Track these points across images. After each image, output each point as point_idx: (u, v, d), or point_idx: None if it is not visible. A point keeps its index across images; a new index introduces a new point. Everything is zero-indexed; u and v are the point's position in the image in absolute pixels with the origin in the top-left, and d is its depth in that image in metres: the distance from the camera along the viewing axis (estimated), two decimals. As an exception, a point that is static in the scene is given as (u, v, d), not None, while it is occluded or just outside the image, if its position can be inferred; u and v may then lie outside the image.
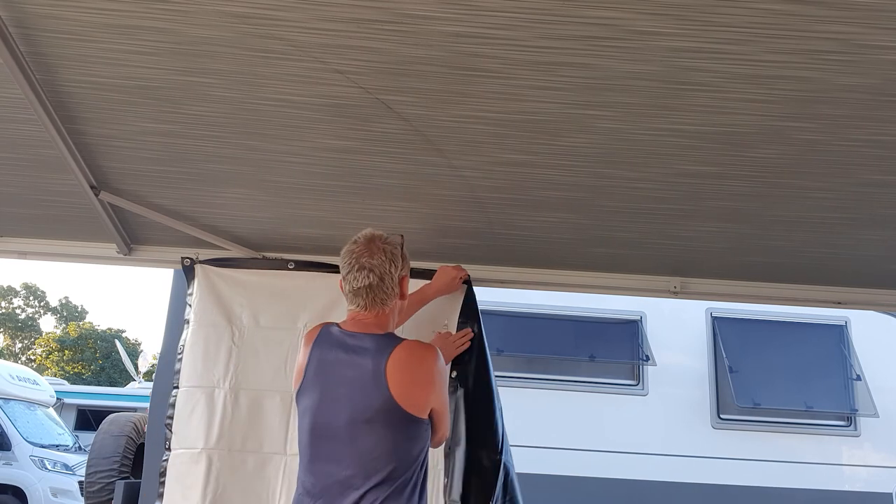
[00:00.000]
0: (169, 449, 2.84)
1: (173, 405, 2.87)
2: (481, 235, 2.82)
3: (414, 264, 3.01)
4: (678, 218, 2.62)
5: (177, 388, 2.90)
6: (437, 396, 2.31)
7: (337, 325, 2.38)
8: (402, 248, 2.39)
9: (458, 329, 2.91)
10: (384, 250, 2.32)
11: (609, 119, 2.08)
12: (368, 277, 2.29)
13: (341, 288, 2.38)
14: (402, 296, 2.39)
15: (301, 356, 2.38)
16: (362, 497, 2.15)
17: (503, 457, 2.79)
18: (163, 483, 2.81)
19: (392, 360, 2.21)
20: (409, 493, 2.20)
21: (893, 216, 2.52)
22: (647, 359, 5.79)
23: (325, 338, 2.36)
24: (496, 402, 2.86)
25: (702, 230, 2.69)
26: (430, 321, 2.89)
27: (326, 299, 2.99)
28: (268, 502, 2.78)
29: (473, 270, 3.01)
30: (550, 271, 3.02)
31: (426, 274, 3.01)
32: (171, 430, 2.85)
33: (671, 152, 2.22)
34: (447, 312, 2.92)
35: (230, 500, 2.77)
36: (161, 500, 2.78)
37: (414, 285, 2.69)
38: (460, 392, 2.81)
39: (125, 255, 3.06)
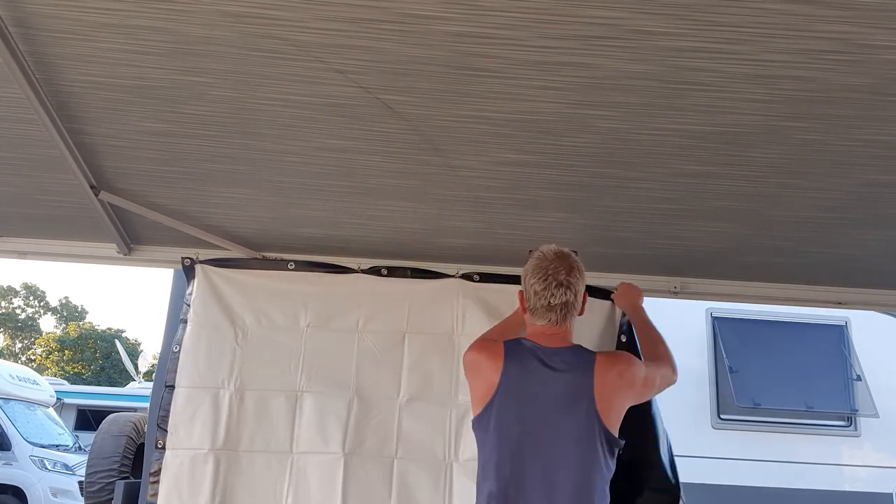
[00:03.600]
0: (163, 448, 2.83)
1: (168, 405, 2.87)
2: (481, 235, 2.82)
3: (413, 264, 3.03)
4: (678, 218, 2.62)
5: (171, 387, 2.89)
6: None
7: (527, 339, 2.44)
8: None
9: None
10: (578, 268, 2.42)
11: (610, 119, 2.08)
12: (566, 295, 2.37)
13: (523, 302, 2.46)
14: (581, 312, 2.48)
15: (487, 370, 2.38)
16: None
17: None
18: (155, 483, 2.80)
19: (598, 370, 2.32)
20: None
21: (894, 216, 2.52)
22: (648, 359, 5.77)
23: (517, 351, 2.40)
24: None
25: (702, 230, 2.69)
26: None
27: (327, 299, 2.99)
28: (276, 501, 2.78)
29: (474, 270, 3.01)
30: (550, 271, 3.01)
31: (426, 274, 3.02)
32: (165, 430, 2.84)
33: (672, 152, 2.22)
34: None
35: (238, 499, 2.78)
36: (156, 500, 2.78)
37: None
38: None
39: (125, 255, 3.06)
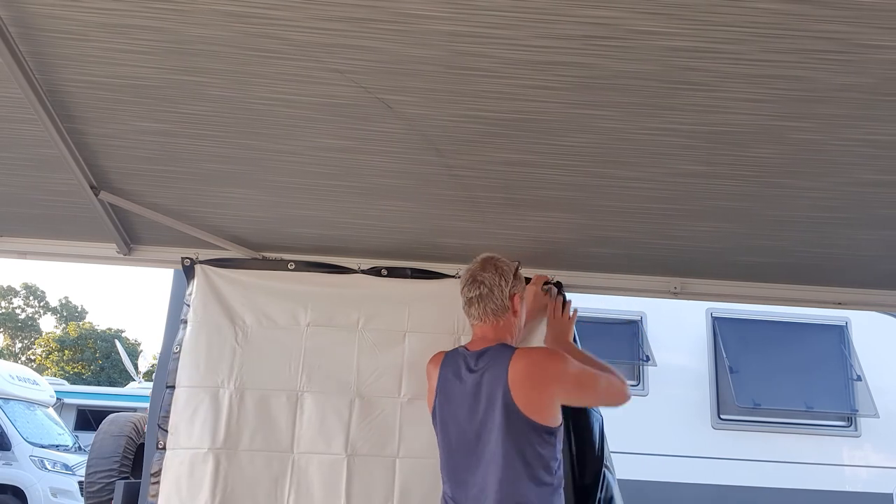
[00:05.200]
0: (163, 448, 2.84)
1: (169, 405, 2.87)
2: (480, 235, 2.82)
3: (413, 264, 3.03)
4: (678, 218, 2.62)
5: (172, 387, 2.89)
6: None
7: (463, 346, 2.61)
8: (516, 269, 2.60)
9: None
10: (496, 266, 2.55)
11: (608, 119, 2.08)
12: (479, 289, 2.52)
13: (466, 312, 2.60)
14: (514, 312, 2.57)
15: (430, 378, 2.62)
16: None
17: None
18: (156, 483, 2.80)
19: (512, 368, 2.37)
20: None
21: (893, 216, 2.52)
22: (648, 359, 5.80)
23: (451, 358, 2.58)
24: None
25: (702, 230, 2.69)
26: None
27: (327, 299, 2.99)
28: (276, 501, 2.79)
29: (473, 270, 3.01)
30: (549, 272, 3.01)
31: (426, 274, 3.02)
32: (165, 430, 2.84)
33: (670, 152, 2.22)
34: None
35: (239, 499, 2.78)
36: (156, 499, 2.78)
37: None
38: None
39: (125, 255, 3.06)
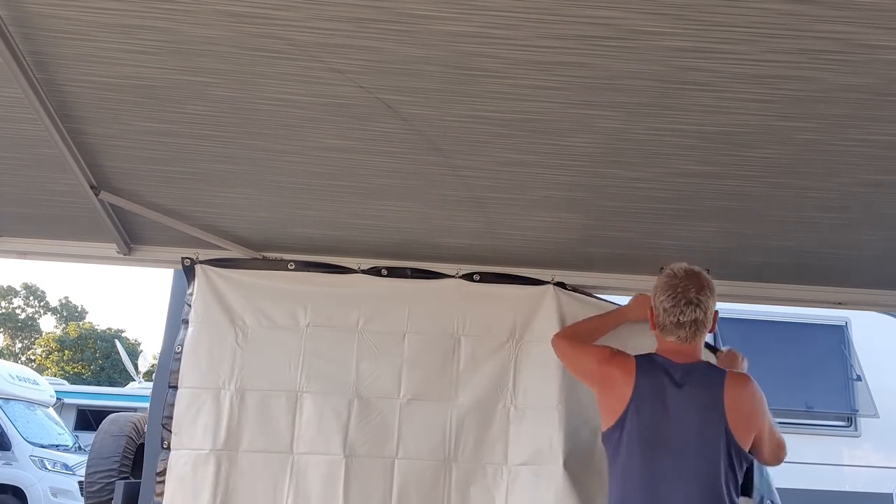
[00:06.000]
0: (168, 448, 2.84)
1: (172, 405, 2.87)
2: (482, 235, 2.82)
3: (413, 264, 3.03)
4: (678, 218, 2.62)
5: (174, 388, 2.89)
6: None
7: (657, 354, 2.49)
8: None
9: None
10: (709, 286, 2.45)
11: (609, 119, 2.08)
12: (695, 312, 2.41)
13: (652, 317, 2.51)
14: (712, 329, 2.51)
15: (620, 383, 2.44)
16: None
17: None
18: (161, 483, 2.80)
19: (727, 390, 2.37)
20: None
21: (893, 216, 2.52)
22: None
23: (648, 366, 2.45)
24: None
25: (702, 230, 2.69)
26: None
27: (327, 299, 2.99)
28: (275, 501, 2.78)
29: (474, 270, 3.01)
30: (550, 271, 3.01)
31: (426, 274, 3.02)
32: (169, 431, 2.84)
33: (672, 152, 2.22)
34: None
35: (240, 500, 2.78)
36: (162, 499, 2.78)
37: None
38: None
39: (125, 255, 3.06)
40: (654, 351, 2.51)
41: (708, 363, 2.49)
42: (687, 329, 2.42)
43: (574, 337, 2.75)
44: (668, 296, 2.43)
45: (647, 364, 2.45)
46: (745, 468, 2.37)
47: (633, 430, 2.38)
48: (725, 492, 2.30)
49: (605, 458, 2.49)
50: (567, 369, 2.78)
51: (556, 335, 2.79)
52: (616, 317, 2.87)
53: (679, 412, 2.36)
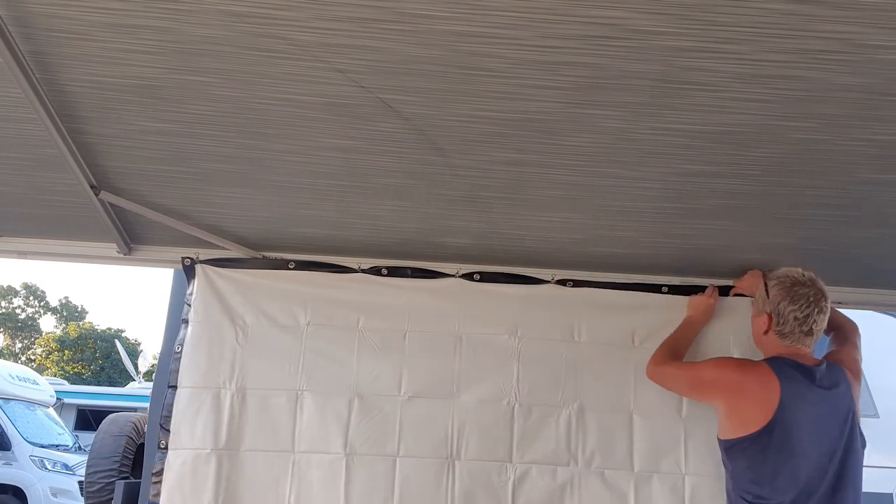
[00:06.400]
0: (165, 448, 2.83)
1: (171, 405, 2.87)
2: (482, 235, 2.82)
3: (413, 265, 3.03)
4: (679, 217, 2.62)
5: (174, 387, 2.89)
6: None
7: (786, 357, 2.53)
8: None
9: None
10: (826, 295, 2.54)
11: (611, 118, 2.08)
12: (825, 322, 2.52)
13: (768, 323, 2.56)
14: None
15: (760, 390, 2.44)
16: None
17: None
18: (158, 483, 2.80)
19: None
20: None
21: (893, 215, 2.52)
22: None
23: (785, 369, 2.47)
24: None
25: (702, 229, 2.69)
26: None
27: (327, 299, 2.99)
28: (277, 501, 2.78)
29: (474, 270, 3.01)
30: (551, 271, 3.01)
31: (426, 274, 3.01)
32: (167, 430, 2.84)
33: (672, 151, 2.22)
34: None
35: (241, 499, 2.78)
36: (158, 499, 2.78)
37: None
38: None
39: (125, 254, 3.05)
40: (776, 354, 2.55)
41: (827, 362, 2.53)
42: (814, 336, 2.51)
43: (671, 359, 2.74)
44: (801, 305, 2.50)
45: (783, 368, 2.47)
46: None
47: (784, 436, 2.39)
48: (861, 493, 2.41)
49: (732, 464, 2.50)
50: (683, 394, 2.77)
51: (652, 366, 2.77)
52: (691, 327, 2.87)
53: (828, 417, 2.42)
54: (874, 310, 4.87)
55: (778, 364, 2.48)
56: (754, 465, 2.42)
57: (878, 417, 5.81)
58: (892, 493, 5.70)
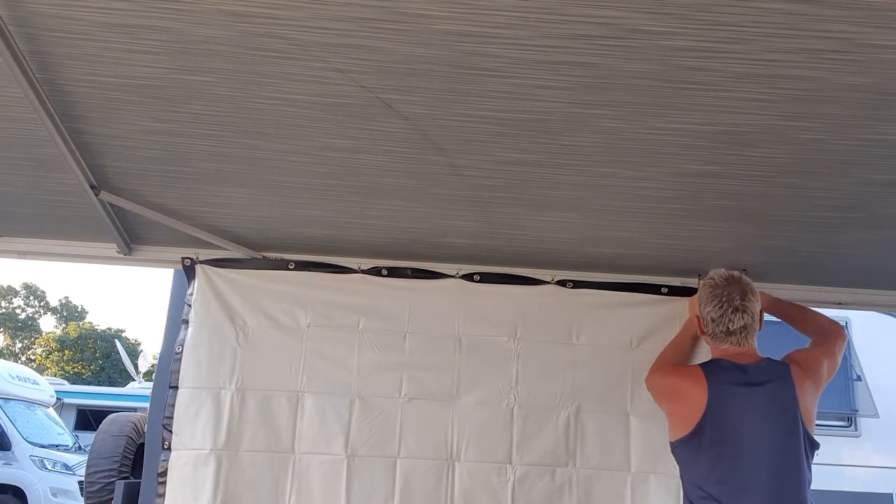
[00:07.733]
0: (168, 449, 2.83)
1: (172, 405, 2.87)
2: (482, 235, 2.82)
3: (413, 264, 3.02)
4: (679, 217, 2.62)
5: (175, 388, 2.89)
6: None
7: (721, 358, 2.55)
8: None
9: None
10: (751, 290, 2.55)
11: (611, 118, 2.07)
12: (743, 319, 2.52)
13: (700, 326, 2.59)
14: (760, 327, 2.59)
15: (692, 392, 2.49)
16: None
17: None
18: (163, 483, 2.80)
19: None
20: None
21: (894, 216, 2.51)
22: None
23: (716, 371, 2.51)
24: None
25: (703, 230, 2.69)
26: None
27: (327, 299, 2.99)
28: (277, 501, 2.78)
29: (474, 270, 3.01)
30: (551, 271, 3.01)
31: (426, 274, 3.01)
32: (170, 431, 2.84)
33: (673, 151, 2.22)
34: None
35: (241, 499, 2.78)
36: (163, 500, 2.78)
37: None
38: None
39: (125, 254, 3.05)
40: (713, 357, 2.58)
41: (769, 359, 2.54)
42: (738, 335, 2.52)
43: (655, 369, 2.77)
44: (715, 305, 2.52)
45: (714, 369, 2.51)
46: (814, 455, 2.44)
47: (716, 434, 2.43)
48: (807, 486, 2.37)
49: (679, 465, 2.55)
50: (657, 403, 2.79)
51: (647, 376, 2.79)
52: (690, 330, 2.86)
53: (761, 411, 2.43)
54: (874, 310, 4.87)
55: (710, 366, 2.55)
56: (694, 463, 2.48)
57: (878, 417, 5.82)
58: (892, 493, 5.70)
